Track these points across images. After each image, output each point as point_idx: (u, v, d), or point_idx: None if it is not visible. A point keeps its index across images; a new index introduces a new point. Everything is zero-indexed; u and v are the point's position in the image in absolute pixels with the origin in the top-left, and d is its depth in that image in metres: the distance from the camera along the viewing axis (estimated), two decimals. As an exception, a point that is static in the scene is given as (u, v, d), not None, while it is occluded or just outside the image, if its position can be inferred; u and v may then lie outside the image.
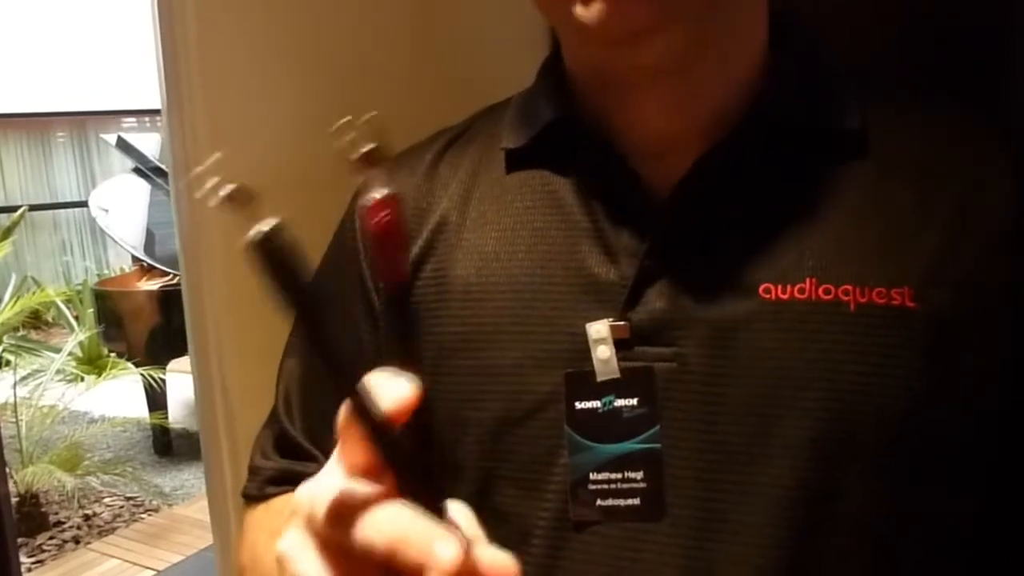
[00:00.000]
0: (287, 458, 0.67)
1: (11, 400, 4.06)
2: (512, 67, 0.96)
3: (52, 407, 4.31)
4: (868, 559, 0.52)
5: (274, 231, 0.35)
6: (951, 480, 0.52)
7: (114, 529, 4.06)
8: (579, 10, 0.51)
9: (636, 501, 0.53)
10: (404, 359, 0.41)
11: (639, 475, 0.53)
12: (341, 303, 0.64)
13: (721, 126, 0.55)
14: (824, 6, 0.69)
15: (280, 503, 0.65)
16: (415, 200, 0.63)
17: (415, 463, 0.39)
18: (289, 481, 0.65)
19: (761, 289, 0.53)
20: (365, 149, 0.40)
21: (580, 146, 0.58)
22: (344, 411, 0.37)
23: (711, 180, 0.55)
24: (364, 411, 0.37)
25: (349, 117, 0.40)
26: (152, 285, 4.97)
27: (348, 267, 0.64)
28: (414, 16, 0.96)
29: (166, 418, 4.81)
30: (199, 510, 4.10)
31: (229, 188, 0.37)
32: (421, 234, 0.61)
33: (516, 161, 0.61)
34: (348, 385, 0.37)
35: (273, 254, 0.35)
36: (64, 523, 4.08)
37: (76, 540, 3.96)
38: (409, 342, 0.41)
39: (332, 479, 0.38)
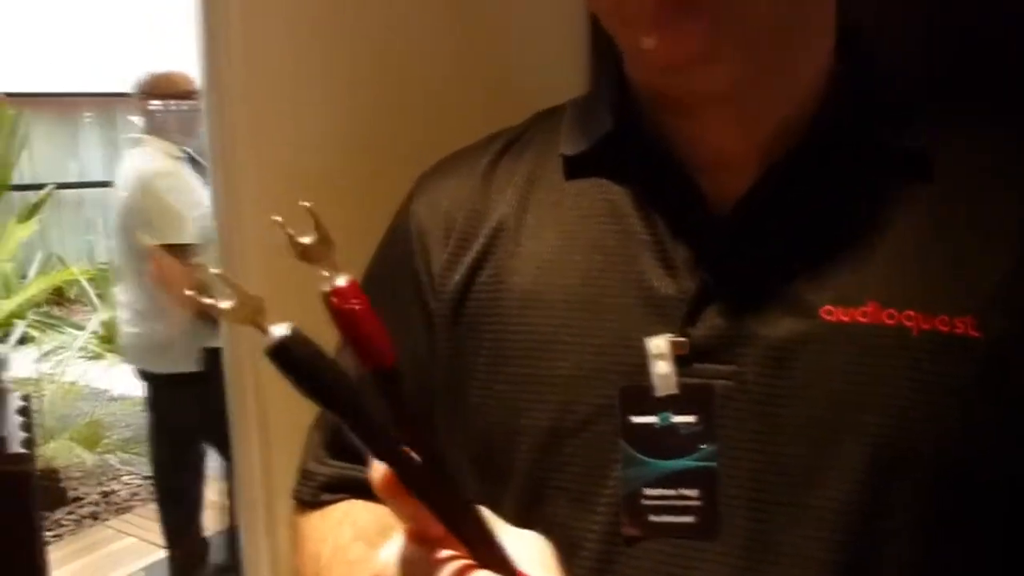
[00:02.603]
0: (340, 458, 0.66)
1: (34, 375, 4.09)
2: (552, 67, 0.96)
3: (73, 384, 4.34)
4: None
5: (291, 336, 0.35)
6: (1006, 510, 0.52)
7: (131, 507, 4.09)
8: (644, 38, 0.51)
9: (690, 518, 0.53)
10: (409, 441, 0.41)
11: (694, 492, 0.53)
12: (395, 307, 0.64)
13: (784, 141, 0.55)
14: (890, 21, 0.68)
15: (339, 513, 0.65)
16: (471, 203, 0.63)
17: (466, 512, 0.40)
18: (344, 488, 0.65)
19: (823, 310, 0.52)
20: (305, 242, 0.38)
21: (640, 156, 0.58)
22: (383, 478, 0.39)
23: (774, 196, 0.54)
24: (408, 480, 0.38)
25: (279, 218, 0.39)
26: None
27: (401, 270, 0.64)
28: (457, 8, 0.95)
29: (186, 399, 4.83)
30: (213, 492, 4.13)
31: (307, 240, 0.37)
32: (477, 239, 0.61)
33: (574, 168, 0.61)
34: (387, 456, 0.38)
35: (292, 359, 0.35)
36: (82, 499, 4.12)
37: (94, 516, 4.00)
38: (407, 424, 0.40)
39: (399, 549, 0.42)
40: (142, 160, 2.79)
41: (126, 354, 2.92)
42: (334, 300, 0.38)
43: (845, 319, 0.52)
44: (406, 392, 0.40)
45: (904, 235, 0.53)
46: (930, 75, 0.64)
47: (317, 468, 0.67)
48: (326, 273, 0.38)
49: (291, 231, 0.38)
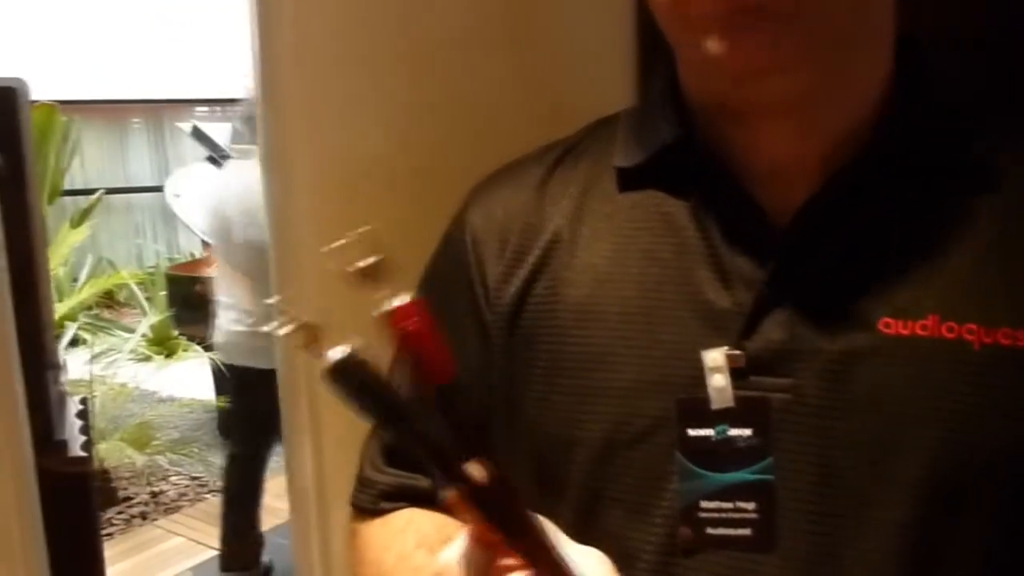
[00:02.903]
0: (397, 466, 0.67)
1: (86, 377, 4.17)
2: (604, 71, 0.96)
3: (124, 385, 4.43)
4: None
5: (348, 358, 0.36)
6: None
7: (179, 507, 4.16)
8: (709, 44, 0.51)
9: (747, 531, 0.53)
10: (471, 456, 0.42)
11: (751, 505, 0.53)
12: (450, 318, 0.64)
13: (843, 154, 0.55)
14: (949, 31, 0.68)
15: (401, 521, 0.66)
16: (526, 216, 0.63)
17: (527, 525, 0.41)
18: (403, 496, 0.66)
19: (881, 323, 0.52)
20: (364, 264, 0.39)
21: (696, 168, 0.58)
22: (450, 498, 0.40)
23: (832, 209, 0.54)
24: (469, 495, 0.39)
25: (344, 240, 0.39)
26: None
27: (456, 281, 0.65)
28: (510, 14, 0.96)
29: (232, 401, 4.91)
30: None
31: (368, 261, 0.38)
32: (532, 251, 0.62)
33: (629, 180, 0.61)
34: (449, 475, 0.39)
35: (349, 381, 0.37)
36: (132, 499, 4.19)
37: (143, 516, 4.06)
38: (468, 439, 0.41)
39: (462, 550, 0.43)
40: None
41: (226, 351, 3.08)
42: (394, 321, 0.39)
43: (904, 332, 0.52)
44: (465, 407, 0.41)
45: (964, 247, 0.53)
46: (989, 86, 0.64)
47: (375, 476, 0.68)
48: (384, 294, 0.39)
49: (347, 257, 0.39)
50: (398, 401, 0.38)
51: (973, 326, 0.51)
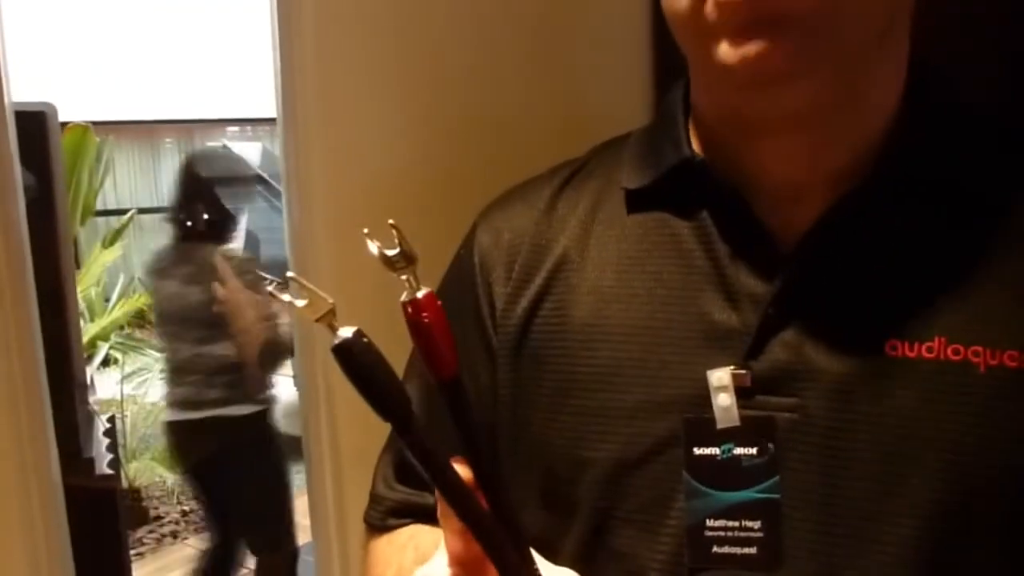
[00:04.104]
0: (406, 483, 0.68)
1: (117, 396, 4.23)
2: (622, 87, 0.97)
3: (155, 404, 4.47)
4: None
5: (355, 338, 0.39)
6: None
7: (210, 525, 4.19)
8: (722, 50, 0.51)
9: (753, 550, 0.53)
10: (465, 450, 0.44)
11: (756, 524, 0.53)
12: (457, 338, 0.65)
13: (851, 175, 0.55)
14: (962, 56, 0.68)
15: (403, 537, 0.66)
16: (533, 237, 0.64)
17: (511, 549, 0.42)
18: (410, 513, 0.67)
19: (887, 346, 0.52)
20: (390, 254, 0.43)
21: (704, 189, 0.58)
22: (439, 503, 0.41)
23: (840, 231, 0.54)
24: (456, 503, 0.41)
25: (367, 229, 0.43)
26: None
27: (464, 302, 0.65)
28: (528, 37, 0.97)
29: (261, 419, 4.93)
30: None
31: (394, 252, 0.40)
32: (539, 272, 0.62)
33: (636, 201, 0.61)
34: (440, 478, 0.41)
35: (354, 358, 0.39)
36: (163, 518, 4.23)
37: (174, 535, 4.11)
38: (468, 431, 0.45)
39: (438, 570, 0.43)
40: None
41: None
42: (409, 311, 0.42)
43: (911, 355, 0.52)
44: (468, 404, 0.45)
45: (971, 270, 0.53)
46: (1001, 111, 0.63)
47: (385, 493, 0.69)
48: (407, 285, 0.43)
49: (379, 243, 0.43)
50: (393, 385, 0.41)
51: (979, 348, 0.51)
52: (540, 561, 0.45)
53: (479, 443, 0.45)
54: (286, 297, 0.42)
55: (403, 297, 0.43)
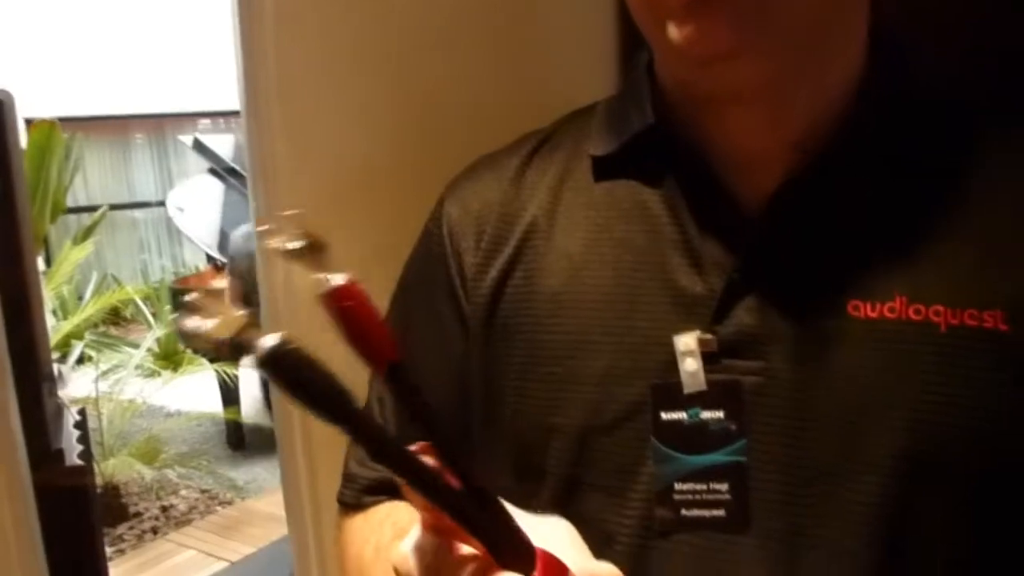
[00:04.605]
0: None
1: (93, 394, 4.19)
2: (588, 67, 0.97)
3: (131, 401, 4.44)
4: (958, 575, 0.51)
5: (281, 345, 0.35)
6: None
7: (190, 521, 4.17)
8: (671, 30, 0.51)
9: (721, 512, 0.53)
10: (423, 436, 0.40)
11: (724, 487, 0.53)
12: (430, 310, 0.65)
13: (815, 141, 0.55)
14: (922, 21, 0.68)
15: (380, 514, 0.66)
16: (502, 206, 0.64)
17: (478, 503, 0.40)
18: (386, 491, 0.66)
19: (850, 306, 0.52)
20: (292, 246, 0.38)
21: (669, 156, 0.58)
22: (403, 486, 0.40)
23: (803, 196, 0.55)
24: (424, 490, 0.39)
25: (268, 224, 0.39)
26: (226, 283, 5.08)
27: (436, 273, 0.65)
28: (491, 18, 0.97)
29: (239, 413, 4.93)
30: (271, 503, 4.19)
31: (299, 244, 0.38)
32: (509, 241, 0.62)
33: (604, 169, 0.61)
34: (389, 460, 0.39)
35: (283, 366, 0.35)
36: (143, 514, 4.20)
37: (154, 531, 4.08)
38: (423, 414, 0.41)
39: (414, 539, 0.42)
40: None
41: None
42: (328, 301, 0.38)
43: (872, 315, 0.52)
44: (415, 386, 0.40)
45: (933, 232, 0.53)
46: (962, 75, 0.64)
47: (359, 471, 0.69)
48: (321, 276, 0.38)
49: (280, 237, 0.38)
50: (333, 387, 0.37)
51: (940, 307, 0.51)
52: (521, 515, 0.44)
53: (436, 423, 0.41)
54: (191, 322, 0.36)
55: (320, 288, 0.38)
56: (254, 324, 0.35)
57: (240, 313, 0.35)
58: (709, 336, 0.54)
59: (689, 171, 0.58)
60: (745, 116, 0.56)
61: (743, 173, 0.57)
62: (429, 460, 0.40)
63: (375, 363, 0.39)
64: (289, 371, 0.35)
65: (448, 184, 0.69)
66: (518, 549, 0.41)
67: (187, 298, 0.36)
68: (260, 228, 0.40)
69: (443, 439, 0.41)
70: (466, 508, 0.40)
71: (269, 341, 0.35)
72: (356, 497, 0.68)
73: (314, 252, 0.38)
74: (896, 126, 0.56)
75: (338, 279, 0.38)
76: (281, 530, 3.74)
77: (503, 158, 0.67)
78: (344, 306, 0.37)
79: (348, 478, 0.70)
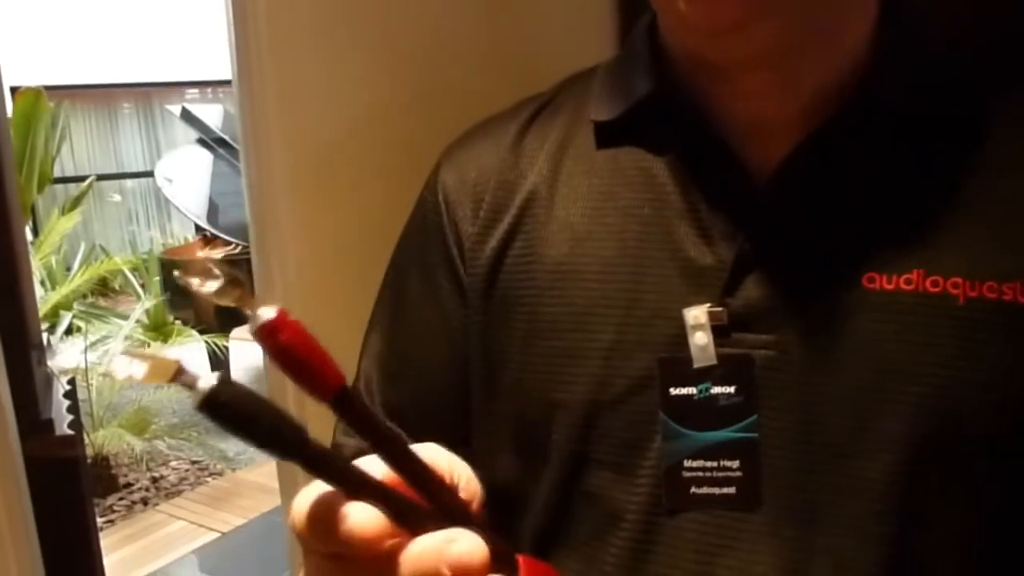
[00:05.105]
0: None
1: (82, 365, 4.17)
2: (585, 27, 0.95)
3: (120, 372, 4.42)
4: (966, 556, 0.50)
5: (221, 385, 0.33)
6: None
7: (180, 492, 4.18)
8: (680, 3, 0.50)
9: (731, 490, 0.52)
10: (390, 450, 0.38)
11: (735, 464, 0.52)
12: (426, 282, 0.63)
13: (825, 107, 0.53)
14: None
15: None
16: (500, 174, 0.62)
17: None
18: None
19: (865, 278, 0.51)
20: (213, 288, 0.36)
21: (675, 123, 0.57)
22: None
23: (814, 163, 0.53)
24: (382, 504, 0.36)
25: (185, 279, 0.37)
26: (215, 254, 5.06)
27: (432, 242, 0.63)
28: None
29: (229, 385, 4.91)
30: (261, 475, 4.20)
31: (215, 285, 0.35)
32: (508, 210, 0.60)
33: (607, 135, 0.60)
34: (365, 494, 0.37)
35: (223, 409, 0.33)
36: (133, 485, 4.21)
37: (144, 502, 4.08)
38: (377, 435, 0.38)
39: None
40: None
41: None
42: (264, 336, 0.34)
43: (888, 287, 0.51)
44: (367, 412, 0.38)
45: (950, 202, 0.52)
46: (978, 41, 0.62)
47: (345, 441, 0.67)
48: (250, 313, 0.35)
49: (195, 283, 0.36)
50: (279, 420, 0.35)
51: (958, 279, 0.50)
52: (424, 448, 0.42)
53: (396, 446, 0.38)
54: (123, 370, 0.33)
55: (252, 325, 0.35)
56: (182, 369, 0.33)
57: (169, 359, 0.33)
58: (719, 309, 0.53)
59: (696, 138, 0.56)
60: (755, 82, 0.54)
61: (752, 141, 0.55)
62: (387, 475, 0.38)
63: (322, 395, 0.36)
64: (232, 410, 0.33)
65: (444, 151, 0.67)
66: (501, 558, 0.39)
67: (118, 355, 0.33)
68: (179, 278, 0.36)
69: (407, 464, 0.38)
70: (424, 519, 0.38)
71: (207, 383, 0.32)
72: None
73: (234, 288, 0.35)
74: (910, 91, 0.54)
75: (268, 313, 0.34)
76: (271, 501, 3.75)
77: (501, 124, 0.65)
78: (280, 341, 0.34)
79: (334, 448, 0.69)
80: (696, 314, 0.53)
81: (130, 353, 0.34)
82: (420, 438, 0.42)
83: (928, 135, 0.53)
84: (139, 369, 0.33)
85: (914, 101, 0.54)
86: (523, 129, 0.63)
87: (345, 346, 0.71)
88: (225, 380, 0.33)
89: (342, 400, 0.36)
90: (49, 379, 1.24)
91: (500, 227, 0.60)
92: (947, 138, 0.54)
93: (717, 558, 0.52)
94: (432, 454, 0.41)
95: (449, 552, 0.36)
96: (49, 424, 1.12)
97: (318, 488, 0.38)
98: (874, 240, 0.52)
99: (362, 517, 0.36)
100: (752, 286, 0.53)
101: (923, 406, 0.49)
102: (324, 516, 0.36)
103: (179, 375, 0.33)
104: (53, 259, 5.40)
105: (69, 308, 4.95)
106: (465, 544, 0.36)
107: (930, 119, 0.54)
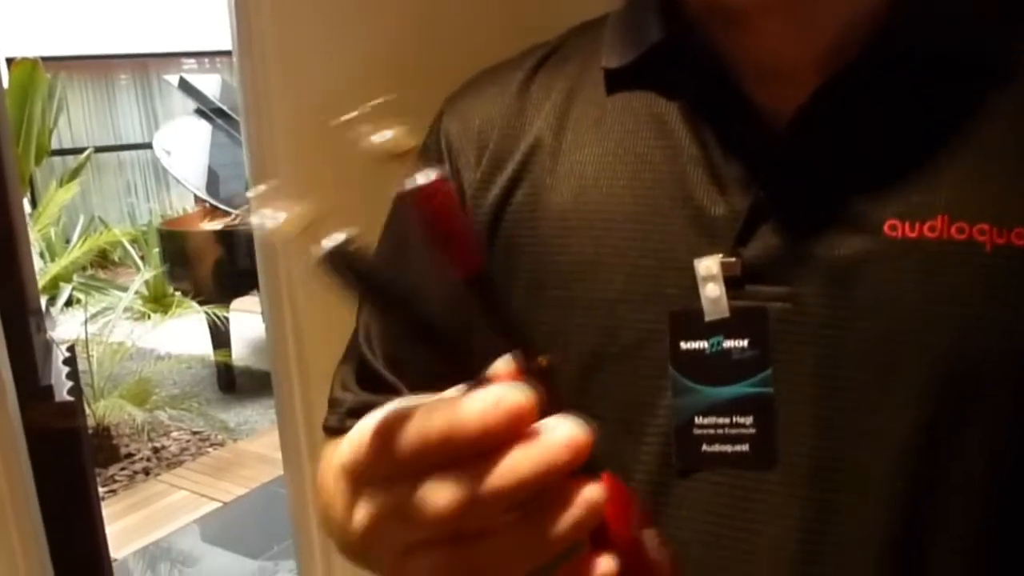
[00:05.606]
0: (368, 389, 0.65)
1: (82, 336, 4.17)
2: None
3: (121, 344, 4.43)
4: (991, 510, 0.49)
5: (346, 243, 0.32)
6: None
7: (182, 462, 4.19)
8: None
9: (745, 447, 0.51)
10: (520, 343, 0.36)
11: (748, 420, 0.50)
12: None
13: (844, 50, 0.51)
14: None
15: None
16: (505, 120, 0.60)
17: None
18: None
19: (887, 226, 0.49)
20: (382, 141, 0.34)
21: (689, 68, 0.55)
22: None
23: (833, 108, 0.51)
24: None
25: (354, 113, 0.35)
26: (215, 225, 5.04)
27: None
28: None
29: (230, 356, 4.93)
30: (262, 445, 4.22)
31: (385, 137, 0.34)
32: (512, 158, 0.59)
33: (618, 82, 0.58)
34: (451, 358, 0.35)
35: (346, 266, 0.32)
36: (134, 455, 4.22)
37: (146, 472, 4.09)
38: (509, 326, 0.36)
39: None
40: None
41: None
42: (416, 201, 0.33)
43: (911, 234, 0.49)
44: (501, 297, 0.36)
45: (974, 145, 0.50)
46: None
47: (344, 396, 0.66)
48: (404, 171, 0.34)
49: (367, 130, 0.34)
50: (399, 283, 0.34)
51: (985, 226, 0.48)
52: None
53: (523, 334, 0.36)
54: (258, 218, 0.33)
55: (404, 186, 0.33)
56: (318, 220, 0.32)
57: (306, 210, 0.32)
58: (732, 259, 0.51)
59: (710, 83, 0.54)
60: (770, 26, 0.52)
61: (768, 86, 0.53)
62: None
63: (461, 269, 0.34)
64: (353, 271, 0.32)
65: (447, 98, 0.65)
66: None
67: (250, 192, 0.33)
68: (343, 118, 0.34)
69: (535, 363, 0.37)
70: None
71: (333, 241, 0.32)
72: (340, 420, 0.66)
73: (400, 146, 0.34)
74: (931, 33, 0.52)
75: (429, 175, 0.33)
76: (273, 471, 3.76)
77: (506, 72, 0.63)
78: (434, 205, 0.33)
79: (332, 403, 0.67)
80: (708, 264, 0.51)
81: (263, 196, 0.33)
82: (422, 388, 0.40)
83: (950, 78, 0.51)
84: (278, 215, 0.32)
85: (935, 43, 0.52)
86: (529, 77, 0.62)
87: (347, 314, 0.70)
88: (350, 240, 0.32)
89: (479, 280, 0.35)
90: (48, 346, 1.24)
91: (503, 175, 0.58)
92: (970, 81, 0.51)
93: (730, 520, 0.51)
94: None
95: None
96: (48, 391, 1.11)
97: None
98: (896, 185, 0.50)
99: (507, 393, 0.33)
100: (767, 236, 0.51)
101: (947, 357, 0.48)
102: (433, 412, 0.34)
103: (307, 231, 0.32)
104: (52, 231, 5.38)
105: (68, 280, 4.95)
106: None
107: (952, 62, 0.52)
